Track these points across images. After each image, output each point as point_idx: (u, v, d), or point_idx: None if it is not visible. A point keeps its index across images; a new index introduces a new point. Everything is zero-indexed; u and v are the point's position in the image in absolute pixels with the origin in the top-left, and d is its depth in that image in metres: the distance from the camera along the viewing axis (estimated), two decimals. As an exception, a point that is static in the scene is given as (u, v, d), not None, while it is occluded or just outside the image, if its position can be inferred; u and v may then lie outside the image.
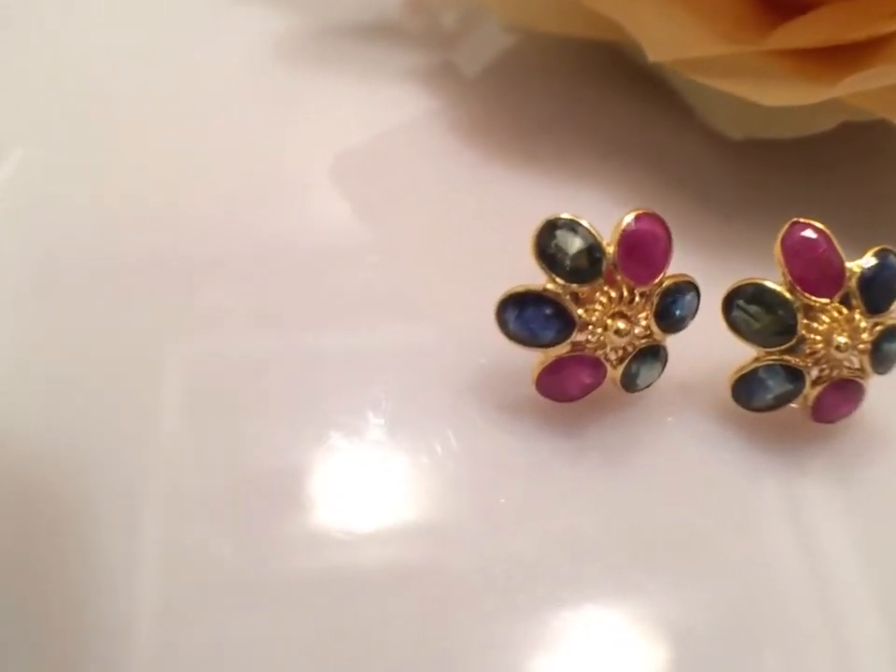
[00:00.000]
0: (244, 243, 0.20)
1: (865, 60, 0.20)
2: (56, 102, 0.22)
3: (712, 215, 0.20)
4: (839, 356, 0.17)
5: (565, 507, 0.17)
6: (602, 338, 0.16)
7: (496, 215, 0.20)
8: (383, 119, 0.23)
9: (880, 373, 0.17)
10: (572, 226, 0.16)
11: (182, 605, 0.15)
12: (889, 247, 0.17)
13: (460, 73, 0.24)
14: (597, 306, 0.16)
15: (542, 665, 0.15)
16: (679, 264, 0.18)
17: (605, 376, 0.17)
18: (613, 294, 0.16)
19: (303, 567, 0.16)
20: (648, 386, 0.18)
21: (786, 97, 0.19)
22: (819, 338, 0.17)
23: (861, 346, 0.17)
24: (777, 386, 0.17)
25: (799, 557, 0.17)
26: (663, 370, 0.17)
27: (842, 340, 0.17)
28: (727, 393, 0.18)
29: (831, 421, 0.18)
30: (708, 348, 0.18)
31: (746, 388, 0.17)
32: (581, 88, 0.23)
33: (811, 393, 0.17)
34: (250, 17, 0.24)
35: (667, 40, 0.20)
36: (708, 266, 0.18)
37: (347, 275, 0.20)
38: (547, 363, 0.17)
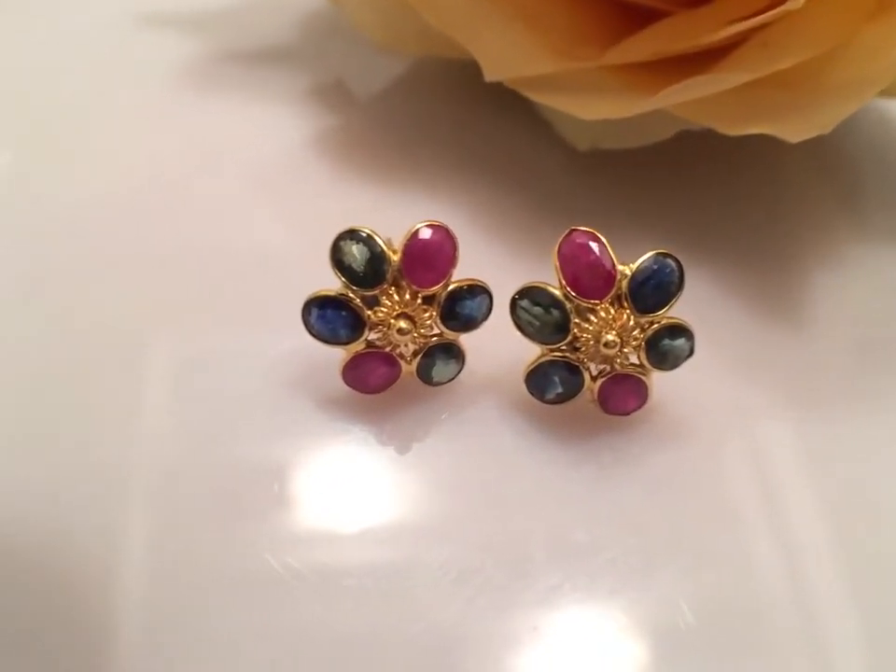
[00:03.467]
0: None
1: (687, 74, 0.21)
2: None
3: (557, 221, 0.22)
4: (608, 352, 0.18)
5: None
6: (390, 336, 0.18)
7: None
8: (276, 135, 0.25)
9: (664, 369, 0.19)
10: (359, 237, 0.18)
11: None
12: (665, 251, 0.18)
13: (350, 93, 0.26)
14: (383, 308, 0.18)
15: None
16: (520, 268, 0.20)
17: (400, 370, 0.19)
18: (397, 297, 0.18)
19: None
20: (449, 381, 0.19)
21: (606, 111, 0.21)
22: (589, 336, 0.18)
23: (634, 343, 0.18)
24: (561, 380, 0.19)
25: (596, 534, 0.18)
26: (461, 365, 0.19)
27: (609, 337, 0.18)
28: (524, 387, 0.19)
29: (624, 414, 0.19)
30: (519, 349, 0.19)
31: (536, 383, 0.19)
32: (451, 106, 0.25)
33: (594, 387, 0.19)
34: (160, 41, 0.27)
35: (504, 59, 0.22)
36: (548, 269, 0.19)
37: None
38: (348, 359, 0.19)
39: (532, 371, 0.19)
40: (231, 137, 0.24)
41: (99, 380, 0.19)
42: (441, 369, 0.19)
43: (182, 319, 0.21)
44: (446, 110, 0.25)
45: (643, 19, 0.22)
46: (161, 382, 0.20)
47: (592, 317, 0.18)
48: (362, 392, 0.19)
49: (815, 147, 0.24)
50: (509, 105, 0.24)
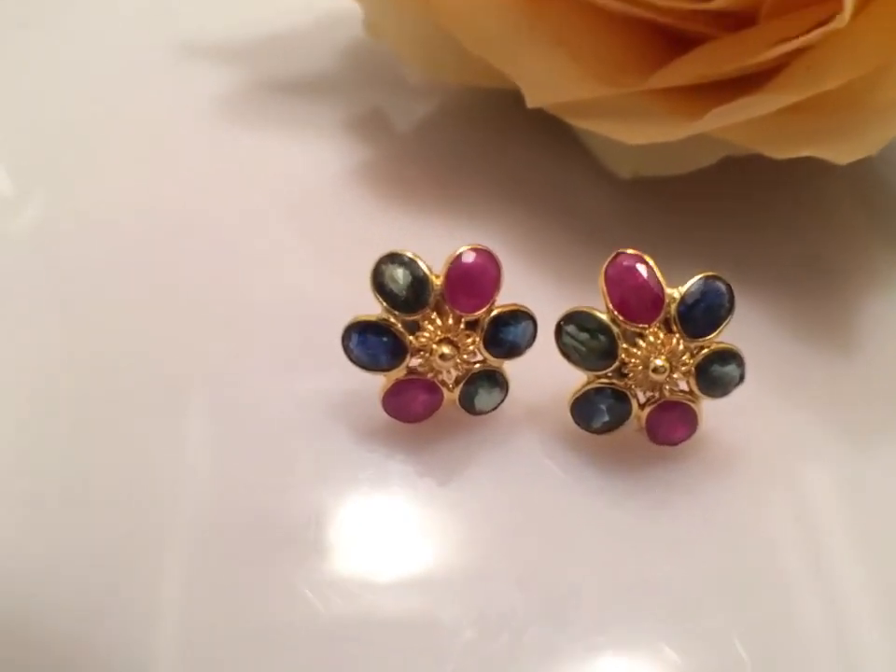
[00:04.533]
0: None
1: (730, 99, 0.20)
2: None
3: (598, 248, 0.21)
4: (657, 378, 0.17)
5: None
6: (432, 363, 0.18)
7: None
8: (315, 166, 0.24)
9: (714, 397, 0.18)
10: (402, 260, 0.18)
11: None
12: (715, 274, 0.18)
13: (389, 125, 0.26)
14: (426, 333, 0.18)
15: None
16: (561, 295, 0.20)
17: (442, 398, 0.18)
18: (440, 322, 0.18)
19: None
20: (492, 410, 0.19)
21: (651, 135, 0.20)
22: (637, 361, 0.18)
23: (684, 369, 0.18)
24: (608, 408, 0.18)
25: (629, 567, 0.17)
26: (504, 394, 0.19)
27: (658, 362, 0.17)
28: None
29: (672, 443, 0.19)
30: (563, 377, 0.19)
31: (582, 411, 0.18)
32: (489, 136, 0.25)
33: (641, 415, 0.18)
34: (197, 72, 0.27)
35: (545, 85, 0.21)
36: (591, 297, 0.18)
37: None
38: (388, 386, 0.18)
39: (578, 399, 0.18)
40: (269, 169, 0.24)
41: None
42: (483, 397, 0.18)
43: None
44: (484, 140, 0.25)
45: (686, 45, 0.22)
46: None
47: (640, 342, 0.18)
48: (403, 421, 0.19)
49: (859, 176, 0.24)
50: (546, 134, 0.24)
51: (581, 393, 0.18)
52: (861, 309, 0.21)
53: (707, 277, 0.18)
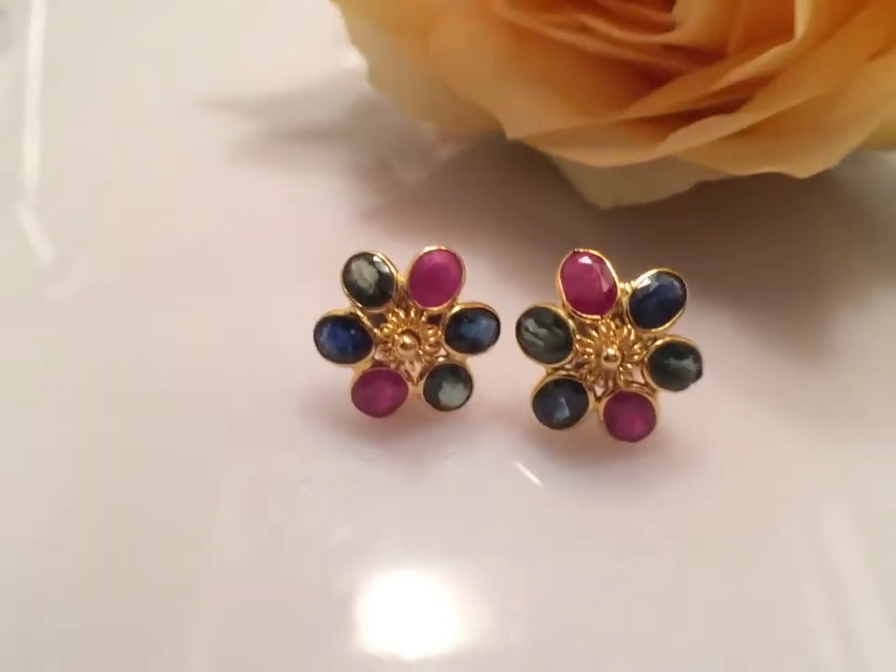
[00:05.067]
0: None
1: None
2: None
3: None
4: (609, 366, 0.18)
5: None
6: (395, 352, 0.19)
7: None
8: (319, 208, 0.26)
9: (671, 390, 0.19)
10: (370, 259, 0.19)
11: None
12: (668, 270, 0.18)
13: (394, 172, 0.28)
14: (389, 325, 0.19)
15: None
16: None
17: (406, 391, 0.19)
18: (403, 315, 0.19)
19: None
20: (459, 406, 0.19)
21: (619, 158, 0.22)
22: (591, 350, 0.18)
23: (636, 358, 0.18)
24: (567, 400, 0.19)
25: (603, 563, 0.18)
26: (469, 391, 0.19)
27: (610, 351, 0.18)
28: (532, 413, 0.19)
29: (632, 439, 0.19)
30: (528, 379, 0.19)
31: (543, 405, 0.19)
32: (487, 174, 0.27)
33: (599, 407, 0.19)
34: (215, 120, 0.29)
35: (524, 118, 0.23)
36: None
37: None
38: (357, 378, 0.19)
39: (538, 392, 0.19)
40: (278, 215, 0.26)
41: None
42: (448, 391, 0.19)
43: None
44: (483, 183, 0.26)
45: (660, 82, 0.23)
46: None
47: (594, 333, 0.18)
48: (371, 414, 0.19)
49: (834, 198, 0.25)
50: (534, 177, 0.25)
51: (541, 386, 0.19)
52: (835, 317, 0.22)
53: (660, 272, 0.18)
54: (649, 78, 0.23)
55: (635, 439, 0.19)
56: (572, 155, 0.22)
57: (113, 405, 0.20)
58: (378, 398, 0.19)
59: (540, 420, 0.19)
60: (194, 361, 0.21)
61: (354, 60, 0.27)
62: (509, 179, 0.26)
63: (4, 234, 0.25)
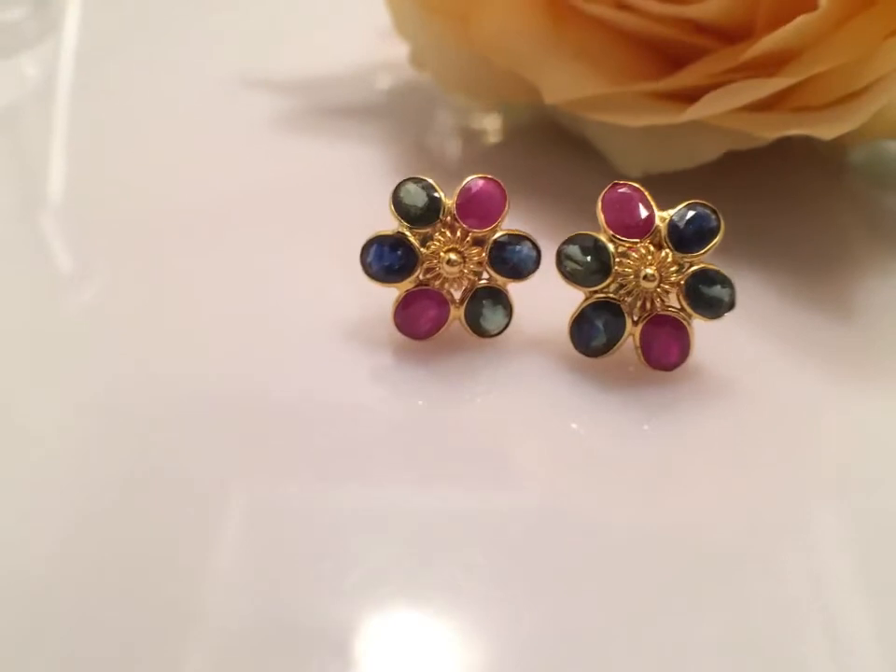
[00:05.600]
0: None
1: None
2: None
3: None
4: (647, 285, 0.19)
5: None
6: (439, 270, 0.19)
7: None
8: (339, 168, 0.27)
9: (706, 317, 0.19)
10: (419, 181, 0.20)
11: None
12: (702, 201, 0.19)
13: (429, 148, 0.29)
14: (436, 243, 0.19)
15: None
16: None
17: (448, 312, 0.20)
18: (449, 234, 0.19)
19: None
20: (498, 333, 0.20)
21: (651, 119, 0.23)
22: (629, 271, 0.19)
23: (673, 279, 0.19)
24: (604, 325, 0.19)
25: (633, 498, 0.18)
26: (509, 317, 0.20)
27: (648, 271, 0.19)
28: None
29: (667, 368, 0.20)
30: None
31: (580, 331, 0.20)
32: (522, 149, 0.28)
33: (635, 332, 0.19)
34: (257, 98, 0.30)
35: (562, 85, 0.24)
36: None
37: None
38: (400, 298, 0.20)
39: (576, 318, 0.19)
40: (318, 184, 0.27)
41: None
42: (488, 316, 0.20)
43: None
44: (519, 158, 0.28)
45: (691, 59, 0.24)
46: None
47: (634, 255, 0.19)
48: (412, 336, 0.20)
49: (857, 187, 0.26)
50: (567, 147, 0.27)
51: (578, 312, 0.19)
52: (862, 280, 0.23)
53: (695, 203, 0.19)
54: (679, 60, 0.25)
55: (669, 367, 0.20)
56: (606, 117, 0.23)
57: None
58: (420, 318, 0.20)
59: (577, 348, 0.20)
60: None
61: (394, 52, 0.28)
62: (542, 155, 0.27)
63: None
